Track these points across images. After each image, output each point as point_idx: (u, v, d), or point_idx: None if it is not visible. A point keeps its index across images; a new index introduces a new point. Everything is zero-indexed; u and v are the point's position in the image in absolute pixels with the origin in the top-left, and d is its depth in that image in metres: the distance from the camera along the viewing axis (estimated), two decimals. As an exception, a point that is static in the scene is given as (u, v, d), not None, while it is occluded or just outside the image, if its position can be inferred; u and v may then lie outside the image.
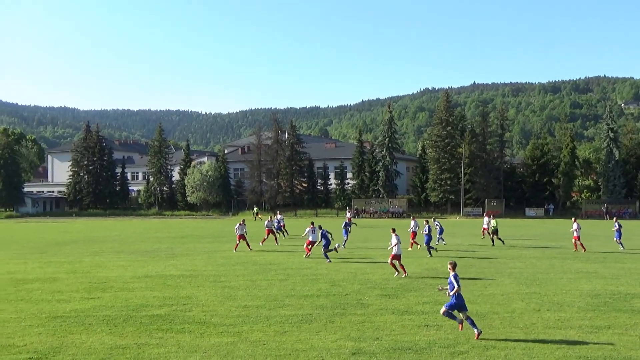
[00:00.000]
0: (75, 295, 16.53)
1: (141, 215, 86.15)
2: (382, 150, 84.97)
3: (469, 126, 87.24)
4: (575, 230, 28.63)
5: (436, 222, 33.54)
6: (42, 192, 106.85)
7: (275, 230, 34.39)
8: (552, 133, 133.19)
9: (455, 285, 11.43)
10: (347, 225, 32.32)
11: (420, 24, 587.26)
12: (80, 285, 18.20)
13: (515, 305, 14.69)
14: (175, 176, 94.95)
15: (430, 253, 26.36)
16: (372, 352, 10.49)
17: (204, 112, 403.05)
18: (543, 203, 79.15)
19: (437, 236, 32.65)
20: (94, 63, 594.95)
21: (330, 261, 23.71)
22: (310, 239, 25.76)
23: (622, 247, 29.88)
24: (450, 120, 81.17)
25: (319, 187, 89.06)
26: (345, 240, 31.01)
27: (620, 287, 17.58)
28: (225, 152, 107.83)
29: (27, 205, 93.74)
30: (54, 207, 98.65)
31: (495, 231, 31.95)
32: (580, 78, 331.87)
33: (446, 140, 79.53)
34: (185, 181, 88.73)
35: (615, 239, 30.45)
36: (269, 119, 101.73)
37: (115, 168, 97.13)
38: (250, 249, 28.85)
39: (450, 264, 12.02)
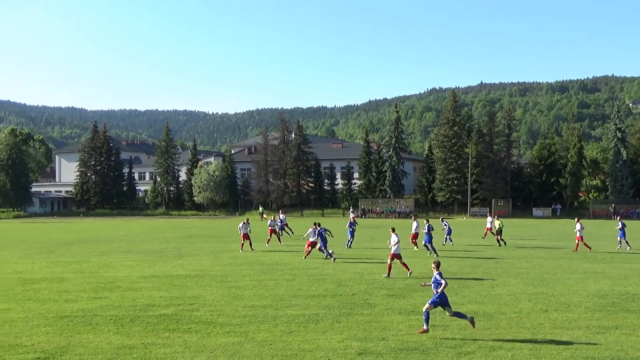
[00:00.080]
0: (82, 295, 16.58)
1: (148, 215, 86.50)
2: (389, 151, 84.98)
3: (476, 126, 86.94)
4: (579, 230, 28.50)
5: (444, 223, 33.45)
6: (50, 192, 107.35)
7: (278, 230, 34.41)
8: (560, 133, 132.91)
9: (443, 282, 11.56)
10: (351, 224, 32.14)
11: (427, 24, 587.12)
12: (87, 285, 18.27)
13: (522, 306, 14.64)
14: (182, 176, 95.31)
15: (435, 252, 26.09)
16: (379, 352, 10.47)
17: (210, 112, 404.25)
18: (550, 203, 78.89)
19: (445, 236, 32.62)
20: (101, 63, 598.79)
21: (334, 260, 23.70)
22: (311, 239, 25.81)
23: (629, 246, 29.68)
24: (457, 120, 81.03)
25: (325, 187, 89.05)
26: (350, 241, 30.89)
27: (628, 288, 17.49)
28: (232, 152, 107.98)
29: (34, 205, 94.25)
30: (62, 207, 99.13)
31: (499, 231, 31.81)
32: (587, 77, 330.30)
33: (453, 140, 79.42)
34: (192, 181, 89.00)
35: (619, 237, 30.23)
36: (276, 119, 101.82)
37: (123, 168, 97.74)
38: (252, 249, 28.87)
39: (434, 263, 12.19)
